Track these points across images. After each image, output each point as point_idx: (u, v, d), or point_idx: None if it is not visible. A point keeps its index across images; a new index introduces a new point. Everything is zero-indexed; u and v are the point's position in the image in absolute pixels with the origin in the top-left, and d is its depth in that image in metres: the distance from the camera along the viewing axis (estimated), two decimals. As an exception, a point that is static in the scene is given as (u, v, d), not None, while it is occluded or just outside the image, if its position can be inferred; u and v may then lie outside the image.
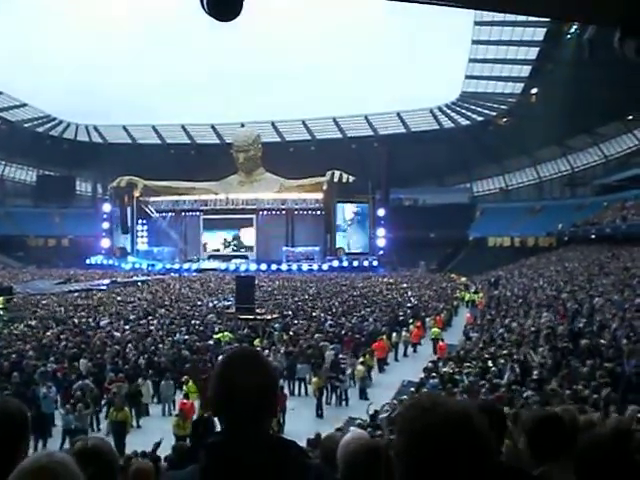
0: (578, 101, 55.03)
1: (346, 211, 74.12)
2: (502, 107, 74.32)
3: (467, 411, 1.75)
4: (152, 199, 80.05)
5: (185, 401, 18.35)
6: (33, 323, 30.33)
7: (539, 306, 31.78)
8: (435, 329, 31.10)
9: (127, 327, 29.13)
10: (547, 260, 56.88)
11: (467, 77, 70.98)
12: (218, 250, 77.40)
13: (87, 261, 75.66)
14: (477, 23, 59.79)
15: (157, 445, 12.22)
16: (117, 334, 27.08)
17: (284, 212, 76.67)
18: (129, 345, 24.37)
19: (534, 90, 63.78)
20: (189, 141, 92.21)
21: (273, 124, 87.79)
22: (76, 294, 44.37)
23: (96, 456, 2.91)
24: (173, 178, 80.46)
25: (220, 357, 20.92)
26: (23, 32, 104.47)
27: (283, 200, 76.84)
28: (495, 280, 48.69)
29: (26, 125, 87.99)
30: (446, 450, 1.67)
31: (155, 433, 17.87)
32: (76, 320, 31.42)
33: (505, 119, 73.88)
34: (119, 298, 41.71)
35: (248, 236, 78.00)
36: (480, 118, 79.61)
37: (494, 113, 76.67)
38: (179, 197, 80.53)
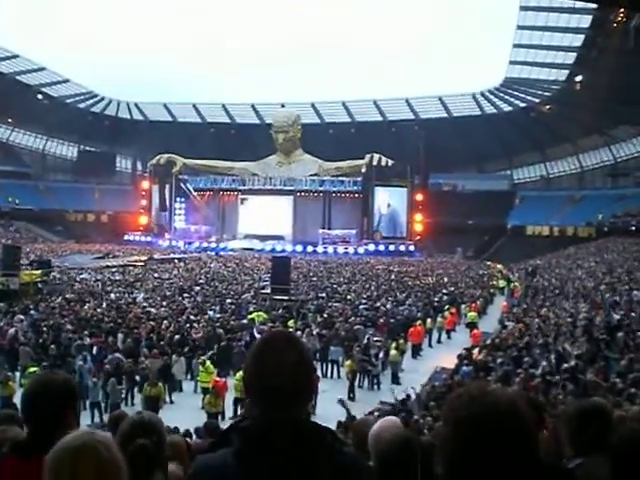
0: (623, 90, 54.17)
1: (384, 195, 73.73)
2: (545, 94, 73.40)
3: (514, 401, 1.73)
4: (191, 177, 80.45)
5: (217, 379, 18.46)
6: (70, 297, 30.66)
7: (576, 297, 31.47)
8: (472, 313, 31.02)
9: (163, 303, 29.37)
10: (586, 251, 56.22)
11: (511, 62, 70.11)
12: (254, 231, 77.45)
13: (125, 237, 76.27)
14: (523, 8, 59.05)
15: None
16: (153, 310, 27.32)
17: (322, 194, 76.50)
18: (164, 321, 24.57)
19: (578, 78, 62.75)
20: (229, 120, 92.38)
21: (313, 105, 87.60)
22: (113, 269, 44.77)
23: (151, 428, 2.99)
24: (212, 157, 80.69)
25: (252, 336, 21.19)
26: (66, 9, 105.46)
27: (321, 182, 76.69)
28: (533, 269, 48.24)
29: (68, 101, 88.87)
30: (491, 440, 1.65)
31: (187, 409, 18.09)
32: (113, 295, 31.74)
33: (548, 106, 72.95)
34: (155, 275, 42.03)
35: (285, 217, 78.00)
36: (523, 104, 78.68)
37: (537, 100, 75.75)
38: (217, 176, 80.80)
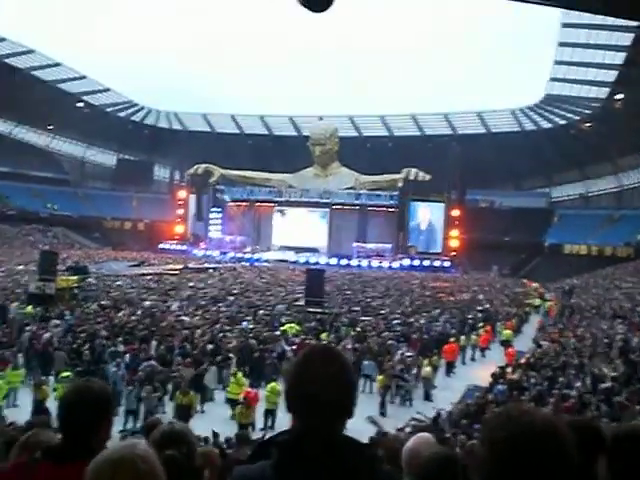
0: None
1: (420, 210, 73.51)
2: (586, 111, 72.74)
3: (553, 423, 1.69)
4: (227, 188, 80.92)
5: (249, 390, 18.45)
6: (105, 303, 30.91)
7: (613, 317, 31.05)
8: (507, 331, 30.75)
9: (197, 312, 29.48)
10: (624, 271, 55.53)
11: (552, 79, 69.68)
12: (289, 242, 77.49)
13: (160, 246, 76.86)
14: (564, 25, 58.69)
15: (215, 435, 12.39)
16: (186, 319, 27.43)
17: (357, 207, 76.43)
18: (197, 330, 24.65)
19: (619, 96, 62.17)
20: (267, 132, 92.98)
21: (351, 119, 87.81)
22: (148, 277, 45.09)
23: (181, 439, 3.04)
24: (249, 168, 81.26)
25: (284, 348, 21.19)
26: (108, 19, 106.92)
27: (357, 195, 76.62)
28: (569, 289, 47.72)
29: (108, 109, 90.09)
30: (529, 461, 1.61)
31: (218, 419, 18.09)
32: (147, 303, 31.94)
33: (588, 124, 72.26)
34: (190, 284, 42.22)
35: (320, 230, 78.06)
36: (562, 122, 78.09)
37: (577, 117, 75.11)
38: (254, 187, 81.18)
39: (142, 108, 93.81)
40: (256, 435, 13.89)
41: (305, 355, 2.14)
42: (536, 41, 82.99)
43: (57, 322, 25.01)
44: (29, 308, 28.00)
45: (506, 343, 29.69)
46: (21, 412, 16.17)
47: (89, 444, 2.62)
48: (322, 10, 3.80)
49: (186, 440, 3.06)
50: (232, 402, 18.46)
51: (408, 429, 14.66)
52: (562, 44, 62.08)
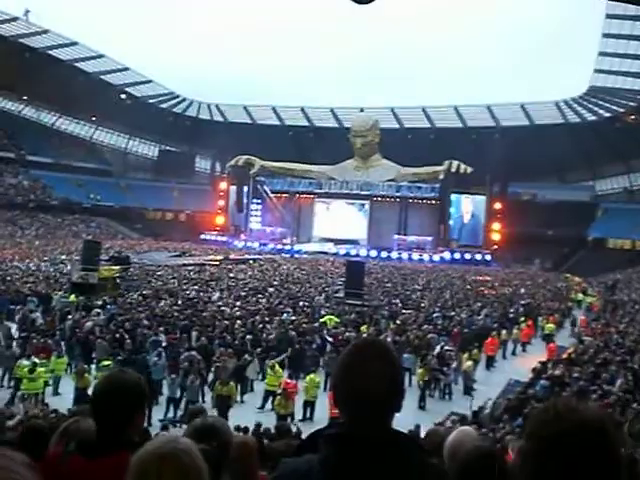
0: None
1: (462, 202, 73.02)
2: (630, 104, 71.59)
3: (603, 420, 1.63)
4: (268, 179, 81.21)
5: (289, 381, 18.50)
6: (147, 293, 31.22)
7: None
8: (550, 325, 30.48)
9: (237, 303, 29.62)
10: (669, 266, 54.68)
11: (596, 71, 68.68)
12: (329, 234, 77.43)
13: (201, 236, 77.38)
14: (609, 16, 57.82)
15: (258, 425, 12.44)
16: (227, 309, 27.57)
17: (398, 200, 76.23)
18: (238, 321, 24.77)
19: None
20: (307, 124, 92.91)
21: (392, 110, 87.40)
22: (190, 268, 45.39)
23: (214, 433, 3.03)
24: (290, 159, 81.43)
25: (323, 340, 21.23)
26: (151, 11, 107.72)
27: (398, 187, 76.39)
28: (613, 284, 47.06)
29: (150, 101, 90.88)
30: (577, 459, 1.56)
31: (259, 408, 18.20)
32: (188, 293, 32.18)
33: (633, 116, 71.11)
34: (231, 274, 42.44)
35: (360, 222, 77.99)
36: (607, 114, 76.92)
37: (622, 109, 73.94)
38: (294, 178, 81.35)
39: (184, 100, 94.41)
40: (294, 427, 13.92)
41: (355, 349, 2.11)
42: (581, 32, 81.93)
43: (99, 311, 25.34)
44: (72, 297, 28.37)
45: (548, 337, 29.42)
46: (64, 400, 16.42)
47: (123, 436, 2.65)
48: (368, 2, 3.76)
49: (220, 433, 3.07)
50: (269, 393, 18.54)
51: (448, 423, 14.61)
52: (606, 35, 61.19)
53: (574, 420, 1.61)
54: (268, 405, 18.04)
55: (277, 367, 19.19)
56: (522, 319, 31.42)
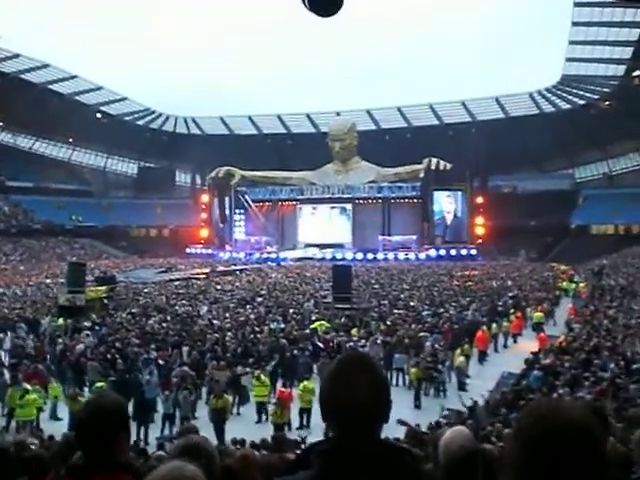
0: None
1: (443, 199, 73.16)
2: (604, 90, 71.97)
3: (588, 421, 1.66)
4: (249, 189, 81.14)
5: (283, 390, 18.50)
6: (135, 311, 31.12)
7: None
8: (538, 314, 30.64)
9: (226, 315, 29.58)
10: (653, 249, 54.98)
11: (568, 59, 69.04)
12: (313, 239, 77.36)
13: (187, 250, 77.16)
14: (576, 4, 58.13)
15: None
16: (216, 322, 27.54)
17: (380, 200, 76.37)
18: (228, 333, 24.74)
19: (637, 72, 61.50)
20: (285, 131, 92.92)
21: (368, 112, 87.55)
22: (177, 283, 45.31)
23: (200, 452, 3.05)
24: (270, 168, 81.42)
25: (315, 346, 21.23)
26: (117, 30, 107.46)
27: (379, 188, 76.55)
28: (599, 269, 47.25)
29: (127, 118, 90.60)
30: (563, 459, 1.58)
31: (254, 421, 18.18)
32: (177, 308, 32.10)
33: (608, 102, 71.52)
34: (218, 287, 42.39)
35: (344, 225, 78.07)
36: (582, 102, 77.32)
37: (596, 96, 74.35)
38: (276, 186, 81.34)
39: (160, 115, 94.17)
40: (293, 435, 13.91)
41: (339, 364, 2.13)
42: (550, 23, 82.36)
43: (88, 333, 25.23)
44: (60, 320, 28.26)
45: (538, 326, 29.57)
46: (63, 425, 16.32)
47: (109, 458, 2.67)
48: (330, 15, 3.77)
49: (205, 452, 3.08)
50: (261, 405, 18.52)
51: (444, 421, 14.65)
52: (575, 23, 61.50)
53: (560, 420, 1.64)
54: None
55: (263, 377, 19.10)
56: (511, 311, 31.57)
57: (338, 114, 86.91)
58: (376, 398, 2.03)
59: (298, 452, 2.23)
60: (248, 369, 20.19)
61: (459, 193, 72.88)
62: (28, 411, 17.01)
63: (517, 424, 1.75)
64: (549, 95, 79.35)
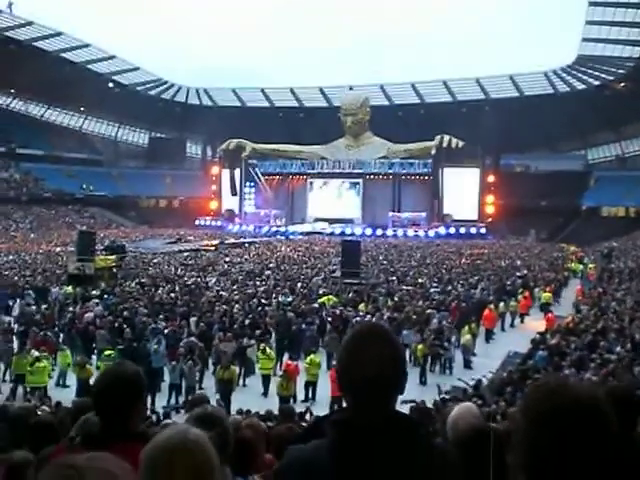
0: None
1: (455, 177, 72.82)
2: (619, 71, 71.46)
3: (596, 397, 1.69)
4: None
5: (290, 362, 18.58)
6: (144, 281, 31.23)
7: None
8: (546, 294, 30.66)
9: (234, 287, 29.66)
10: (663, 232, 54.77)
11: (584, 40, 68.46)
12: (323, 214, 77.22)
13: (196, 222, 77.25)
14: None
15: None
16: (225, 294, 27.63)
17: (391, 177, 76.09)
18: (236, 305, 24.81)
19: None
20: (297, 104, 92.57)
21: (382, 87, 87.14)
22: (186, 254, 45.41)
23: (215, 422, 3.04)
24: (281, 141, 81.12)
25: (322, 320, 21.29)
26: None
27: (390, 164, 76.26)
28: (608, 251, 47.09)
29: (139, 88, 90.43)
30: (570, 435, 1.62)
31: (259, 392, 18.30)
32: (186, 279, 32.20)
33: (622, 84, 70.96)
34: (227, 259, 42.47)
35: (354, 200, 77.92)
36: (597, 82, 76.77)
37: (611, 77, 73.79)
38: (286, 160, 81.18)
39: (172, 85, 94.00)
40: (298, 407, 13.98)
41: (357, 336, 2.12)
42: (567, 2, 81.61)
43: (97, 301, 25.36)
44: (69, 289, 28.40)
45: (546, 307, 29.57)
46: (71, 392, 16.47)
47: (125, 427, 2.70)
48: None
49: (220, 422, 3.09)
50: (266, 377, 18.64)
51: (447, 396, 14.72)
52: (592, 3, 60.99)
53: (568, 396, 1.66)
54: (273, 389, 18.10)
55: (268, 350, 19.22)
56: (519, 291, 31.55)
57: (351, 88, 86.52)
58: (393, 370, 2.03)
59: (309, 422, 2.22)
60: (253, 341, 20.26)
61: (471, 171, 72.12)
62: (40, 378, 17.13)
63: (525, 401, 1.77)
64: (564, 75, 78.78)
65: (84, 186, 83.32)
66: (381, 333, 2.11)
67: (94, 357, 19.46)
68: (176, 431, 1.92)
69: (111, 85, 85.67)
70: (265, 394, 18.19)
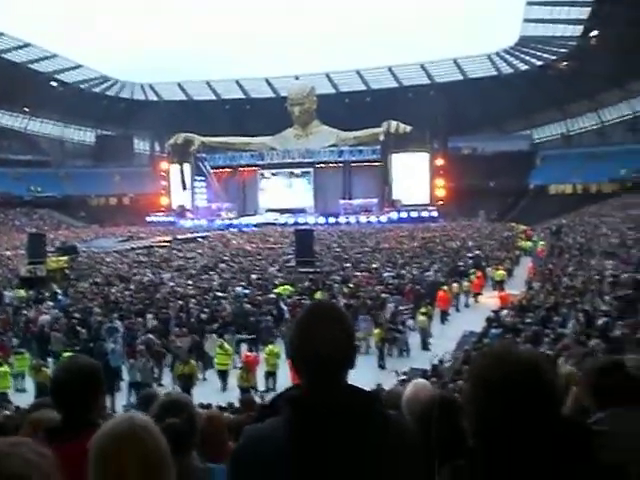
0: (639, 43, 53.37)
1: (403, 162, 73.18)
2: (562, 51, 72.37)
3: (537, 361, 1.79)
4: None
5: (249, 354, 18.64)
6: (98, 280, 30.96)
7: (603, 254, 31.24)
8: (500, 272, 31.13)
9: (189, 282, 29.57)
10: (610, 207, 55.71)
11: (525, 20, 69.24)
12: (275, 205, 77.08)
13: (148, 219, 76.54)
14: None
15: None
16: (180, 289, 27.54)
17: (341, 164, 76.25)
18: (192, 300, 24.75)
19: (594, 32, 61.88)
20: (244, 96, 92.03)
21: (327, 75, 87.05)
22: (138, 251, 45.07)
23: (181, 408, 3.06)
24: (229, 133, 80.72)
25: (279, 310, 21.32)
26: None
27: (339, 152, 76.43)
28: (557, 228, 47.82)
29: (82, 86, 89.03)
30: (513, 399, 1.71)
31: (220, 386, 18.30)
32: (140, 277, 31.99)
33: (565, 63, 71.95)
34: (180, 254, 42.26)
35: (305, 189, 77.96)
36: (539, 63, 77.68)
37: (554, 57, 74.73)
38: (235, 152, 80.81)
39: (116, 82, 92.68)
40: (258, 398, 14.04)
41: (308, 315, 2.16)
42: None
43: (50, 303, 25.08)
44: (22, 292, 28.04)
45: (499, 285, 30.05)
46: (29, 396, 16.29)
47: (87, 419, 2.68)
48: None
49: (186, 408, 3.10)
50: (222, 373, 18.64)
51: (403, 378, 14.92)
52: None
53: (509, 362, 1.75)
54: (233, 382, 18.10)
55: (226, 345, 19.16)
56: (472, 271, 31.94)
57: (297, 78, 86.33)
58: (345, 346, 2.07)
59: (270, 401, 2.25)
60: (208, 335, 20.25)
61: (419, 155, 72.54)
62: (2, 383, 16.93)
63: (471, 368, 1.88)
64: (507, 57, 79.57)
65: (32, 188, 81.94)
66: (331, 311, 2.16)
67: (50, 360, 19.25)
68: (122, 418, 1.93)
69: (54, 84, 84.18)
70: (224, 388, 18.19)
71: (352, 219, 69.33)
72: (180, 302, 24.36)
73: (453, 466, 1.94)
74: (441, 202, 71.80)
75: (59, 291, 28.24)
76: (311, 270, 30.96)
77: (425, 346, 21.77)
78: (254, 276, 30.78)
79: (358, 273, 31.05)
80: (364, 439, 1.96)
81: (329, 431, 1.94)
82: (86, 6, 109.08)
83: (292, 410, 2.00)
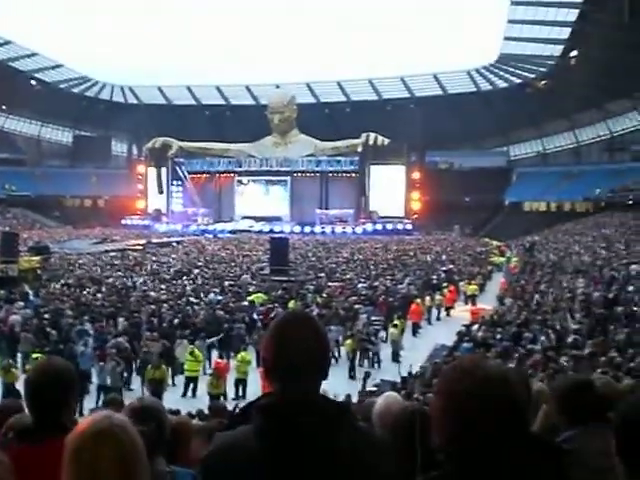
0: (618, 64, 54.07)
1: (380, 174, 73.47)
2: (541, 69, 72.98)
3: (505, 376, 1.79)
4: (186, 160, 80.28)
5: (219, 360, 18.62)
6: (70, 282, 30.74)
7: (575, 272, 31.55)
8: (472, 286, 31.31)
9: (162, 287, 29.45)
10: (583, 226, 56.30)
11: (506, 38, 69.83)
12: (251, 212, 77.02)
13: (122, 222, 76.11)
14: (517, -16, 58.82)
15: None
16: (152, 294, 27.42)
17: (318, 174, 76.38)
18: (164, 305, 24.66)
19: (573, 52, 62.52)
20: (224, 102, 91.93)
21: (308, 85, 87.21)
22: (112, 254, 44.81)
23: (151, 414, 3.06)
24: (207, 139, 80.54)
25: (252, 318, 21.25)
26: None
27: (317, 162, 76.57)
28: (530, 245, 48.24)
29: (62, 86, 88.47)
30: (481, 413, 1.71)
31: (189, 392, 18.25)
32: (112, 280, 31.81)
33: (544, 82, 72.59)
34: (154, 258, 42.09)
35: (282, 198, 77.97)
36: (518, 81, 78.33)
37: (533, 75, 75.39)
38: (213, 158, 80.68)
39: (96, 83, 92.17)
40: (228, 405, 14.02)
41: (282, 323, 2.18)
42: (489, 0, 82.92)
43: (21, 304, 24.85)
44: (-8, 291, 27.76)
45: (472, 298, 30.26)
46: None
47: (59, 421, 2.68)
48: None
49: (156, 415, 3.09)
50: (190, 380, 18.54)
51: (374, 389, 14.97)
52: (515, 2, 62.17)
53: (478, 377, 1.76)
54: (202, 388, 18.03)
55: (196, 352, 19.02)
56: (445, 285, 32.12)
57: (278, 87, 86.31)
58: (318, 355, 2.10)
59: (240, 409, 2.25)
60: (179, 340, 20.17)
61: (396, 168, 72.95)
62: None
63: (440, 381, 1.89)
64: (487, 73, 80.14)
65: (6, 186, 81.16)
66: (305, 320, 2.18)
67: (19, 360, 19.08)
68: (100, 416, 1.92)
69: (33, 83, 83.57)
70: (194, 395, 18.12)
71: (328, 229, 69.46)
72: (152, 307, 24.26)
73: (426, 479, 1.98)
74: (416, 215, 72.15)
75: (30, 291, 28.02)
76: (285, 279, 30.98)
77: (396, 358, 21.83)
78: (228, 283, 30.73)
79: (332, 283, 31.13)
80: (337, 449, 1.97)
81: (302, 441, 1.95)
82: (69, 5, 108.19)
83: (264, 419, 2.00)
